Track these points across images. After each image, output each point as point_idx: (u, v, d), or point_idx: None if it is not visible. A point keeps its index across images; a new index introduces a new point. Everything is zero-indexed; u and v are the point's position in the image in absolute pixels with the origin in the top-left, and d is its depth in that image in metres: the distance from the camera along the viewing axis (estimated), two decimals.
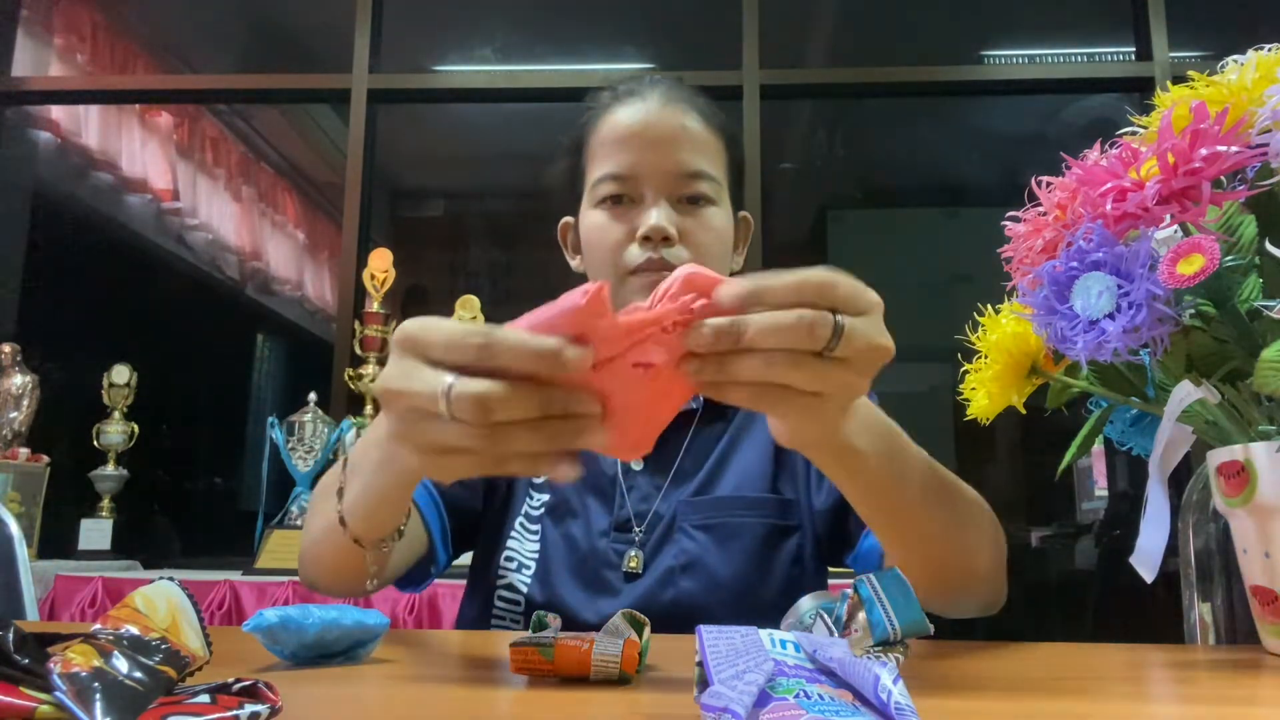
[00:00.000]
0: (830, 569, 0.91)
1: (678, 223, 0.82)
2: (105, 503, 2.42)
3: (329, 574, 0.73)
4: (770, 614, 0.81)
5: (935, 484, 0.62)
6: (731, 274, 0.88)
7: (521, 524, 0.87)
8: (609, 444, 0.44)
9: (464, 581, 0.93)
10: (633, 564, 0.83)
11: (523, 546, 0.86)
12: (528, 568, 0.85)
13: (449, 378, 0.40)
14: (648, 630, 0.47)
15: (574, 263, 0.92)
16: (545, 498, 0.88)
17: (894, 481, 0.58)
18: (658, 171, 0.83)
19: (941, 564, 0.64)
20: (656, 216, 0.81)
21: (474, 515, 0.90)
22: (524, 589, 0.84)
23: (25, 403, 2.42)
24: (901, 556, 0.65)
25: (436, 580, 2.09)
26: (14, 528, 1.20)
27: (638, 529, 0.84)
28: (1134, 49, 2.92)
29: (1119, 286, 0.50)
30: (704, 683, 0.32)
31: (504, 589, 0.85)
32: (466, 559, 0.93)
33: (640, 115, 0.84)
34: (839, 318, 0.43)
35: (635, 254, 0.82)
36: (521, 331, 0.40)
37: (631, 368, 0.43)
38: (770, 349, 0.42)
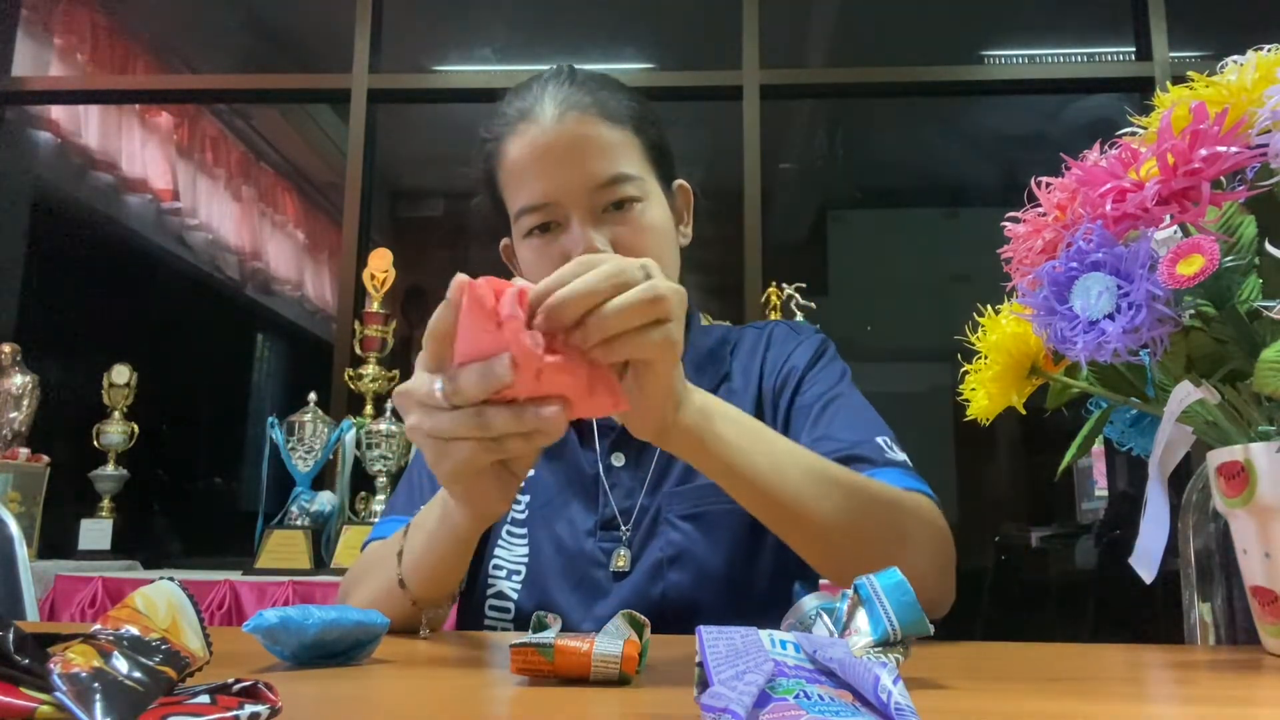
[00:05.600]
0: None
1: (610, 235, 0.79)
2: (105, 503, 2.42)
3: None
4: (760, 601, 0.83)
5: (825, 480, 0.65)
6: (682, 249, 0.88)
7: (508, 530, 0.87)
8: (589, 410, 0.52)
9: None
10: (620, 563, 0.82)
11: (509, 553, 0.86)
12: (517, 574, 0.84)
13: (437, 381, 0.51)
14: (648, 630, 0.47)
15: (523, 284, 0.91)
16: (528, 499, 0.87)
17: (767, 470, 0.62)
18: (573, 191, 0.78)
19: (849, 559, 0.66)
20: (586, 240, 0.78)
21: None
22: (514, 596, 0.83)
23: (25, 403, 2.42)
24: (802, 550, 0.68)
25: None
26: (14, 528, 1.20)
27: (624, 526, 0.84)
28: (1134, 49, 2.93)
29: (1119, 287, 0.50)
30: (704, 683, 0.32)
31: (494, 598, 0.85)
32: None
33: (539, 138, 0.78)
34: (641, 262, 0.53)
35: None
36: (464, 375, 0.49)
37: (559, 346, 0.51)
38: (604, 303, 0.50)
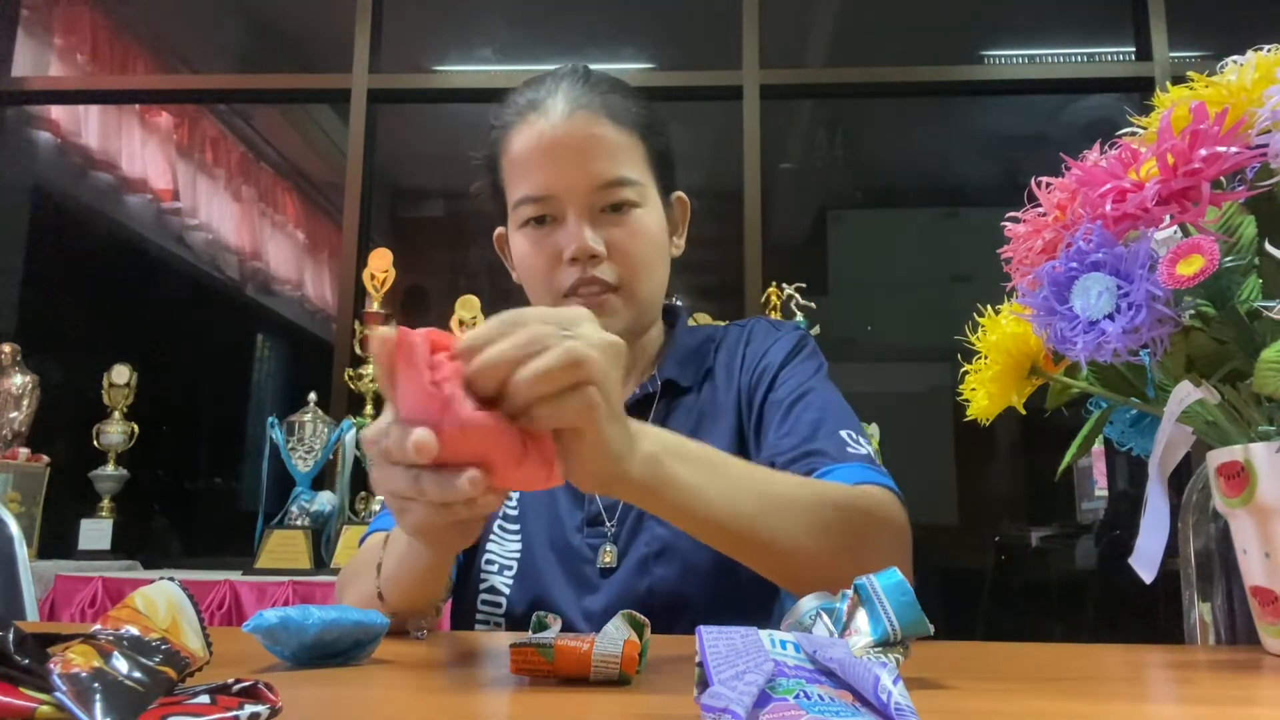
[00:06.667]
0: None
1: (605, 236, 0.80)
2: (105, 503, 2.42)
3: None
4: (748, 593, 0.83)
5: (782, 504, 0.64)
6: (673, 259, 0.89)
7: (500, 525, 0.87)
8: (520, 482, 0.49)
9: None
10: (607, 559, 0.83)
11: (501, 548, 0.86)
12: (509, 569, 0.85)
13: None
14: (648, 630, 0.47)
15: (514, 275, 0.91)
16: (518, 495, 0.88)
17: (722, 506, 0.60)
18: (573, 188, 0.80)
19: (811, 575, 0.65)
20: (580, 238, 0.79)
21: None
22: (505, 590, 0.84)
23: (25, 403, 2.42)
24: (766, 574, 0.68)
25: None
26: (14, 528, 1.20)
27: (609, 523, 0.84)
28: (1134, 49, 2.93)
29: (1119, 287, 0.50)
30: (704, 683, 0.32)
31: (486, 592, 0.85)
32: None
33: (547, 132, 0.79)
34: (561, 329, 0.50)
35: (567, 275, 0.81)
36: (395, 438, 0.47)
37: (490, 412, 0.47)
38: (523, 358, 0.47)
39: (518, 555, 0.85)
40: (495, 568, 0.85)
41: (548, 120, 0.80)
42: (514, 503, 0.88)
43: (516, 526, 0.87)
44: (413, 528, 0.52)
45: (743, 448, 0.86)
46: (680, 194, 0.92)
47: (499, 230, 0.91)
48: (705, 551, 0.82)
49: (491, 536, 0.87)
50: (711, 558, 0.82)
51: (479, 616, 0.85)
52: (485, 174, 0.89)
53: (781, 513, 0.64)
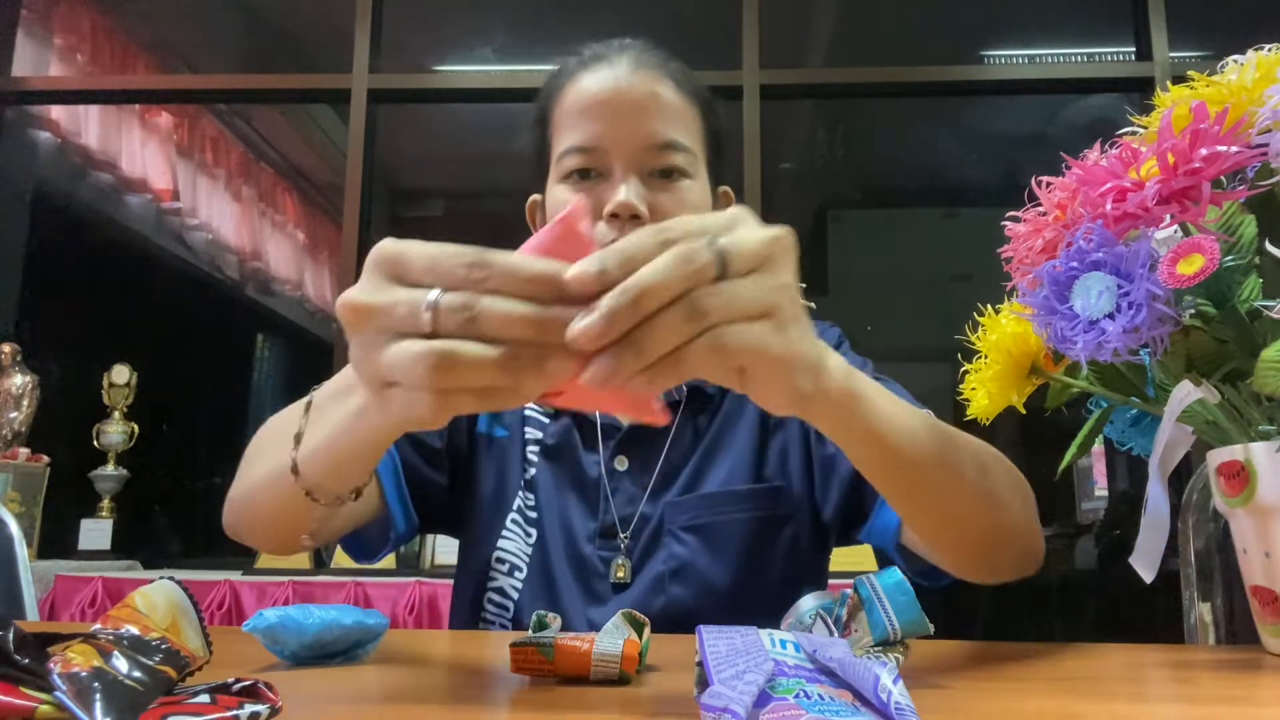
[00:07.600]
0: (829, 569, 0.89)
1: (649, 198, 0.76)
2: (105, 503, 2.43)
3: (264, 525, 0.67)
4: (765, 613, 0.80)
5: (945, 438, 0.58)
6: None
7: (515, 521, 0.84)
8: (616, 407, 0.42)
9: None
10: (620, 574, 0.79)
11: (515, 545, 0.83)
12: (520, 570, 0.81)
13: (434, 291, 0.37)
14: (648, 630, 0.47)
15: None
16: (533, 498, 0.84)
17: (902, 433, 0.53)
18: (626, 143, 0.76)
19: (968, 524, 0.60)
20: (625, 193, 0.74)
21: (439, 490, 0.84)
22: (514, 595, 0.81)
23: (25, 403, 2.42)
24: (933, 523, 0.60)
25: (437, 580, 2.08)
26: (14, 528, 1.20)
27: (623, 535, 0.81)
28: (1134, 49, 2.93)
29: (1119, 286, 0.50)
30: (704, 683, 0.32)
31: (494, 592, 0.82)
32: (452, 558, 0.90)
33: (608, 83, 0.77)
34: (714, 239, 0.39)
35: (603, 232, 0.76)
36: (516, 255, 0.37)
37: None
38: (668, 300, 0.37)
39: (529, 556, 0.82)
40: (506, 567, 0.82)
41: (612, 72, 0.78)
42: (534, 501, 0.84)
43: (535, 531, 0.83)
44: (426, 413, 0.38)
45: (763, 451, 0.83)
46: (727, 189, 0.88)
47: (533, 197, 0.87)
48: (723, 572, 0.78)
49: (504, 533, 0.83)
50: (730, 579, 0.78)
51: (484, 616, 0.82)
52: (533, 127, 0.85)
53: (952, 451, 0.57)
